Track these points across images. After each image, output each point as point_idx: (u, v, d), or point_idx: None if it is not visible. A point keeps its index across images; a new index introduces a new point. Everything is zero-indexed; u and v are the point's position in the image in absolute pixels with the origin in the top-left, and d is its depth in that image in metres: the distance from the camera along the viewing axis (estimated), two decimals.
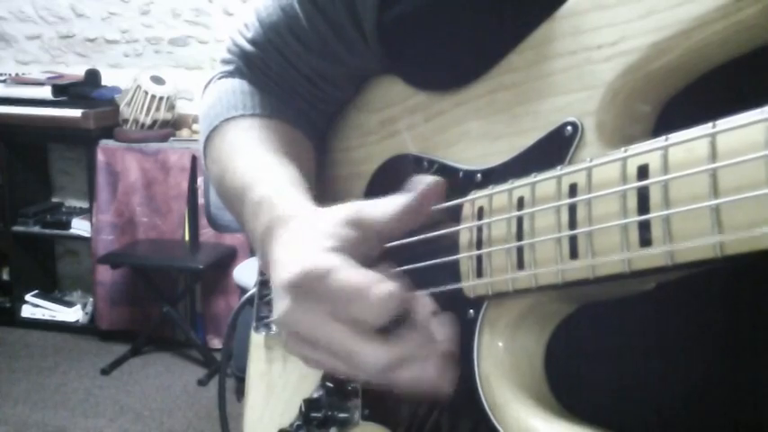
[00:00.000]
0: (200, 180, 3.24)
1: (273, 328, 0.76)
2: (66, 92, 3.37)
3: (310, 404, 0.62)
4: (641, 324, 0.47)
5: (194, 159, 3.22)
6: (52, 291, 3.83)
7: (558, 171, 0.42)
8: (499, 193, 0.46)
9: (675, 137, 0.35)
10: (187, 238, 3.33)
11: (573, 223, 0.41)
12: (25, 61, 3.79)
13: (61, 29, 3.71)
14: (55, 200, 3.84)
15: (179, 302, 3.37)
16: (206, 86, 0.73)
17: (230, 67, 0.71)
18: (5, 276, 3.67)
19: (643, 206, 0.37)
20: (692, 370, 0.47)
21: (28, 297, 3.63)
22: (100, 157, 3.31)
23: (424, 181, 0.47)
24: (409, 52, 0.58)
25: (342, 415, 0.61)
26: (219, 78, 0.71)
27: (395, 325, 0.45)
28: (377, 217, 0.48)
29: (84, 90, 3.42)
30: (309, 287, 0.44)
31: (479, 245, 0.47)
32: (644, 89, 0.41)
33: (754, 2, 0.35)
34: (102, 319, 3.44)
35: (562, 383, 0.47)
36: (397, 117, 0.60)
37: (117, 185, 3.32)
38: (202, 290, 3.42)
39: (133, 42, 3.65)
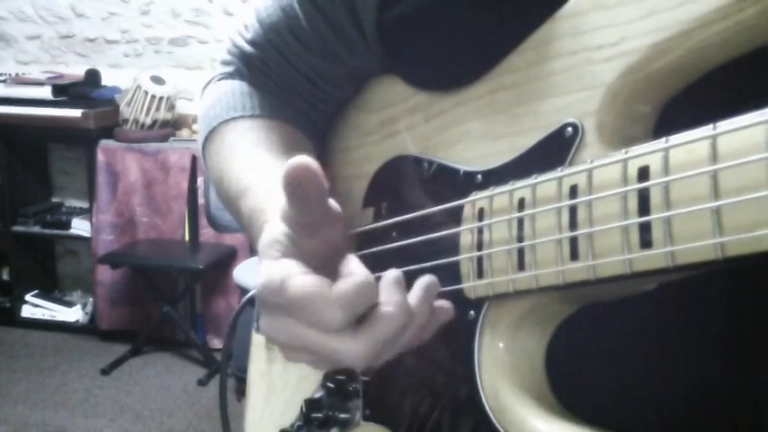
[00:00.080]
0: (200, 180, 3.24)
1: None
2: (66, 92, 3.37)
3: (311, 404, 0.62)
4: (642, 324, 0.47)
5: (194, 159, 3.22)
6: (52, 291, 3.83)
7: (558, 172, 0.42)
8: (500, 195, 0.46)
9: (676, 138, 0.35)
10: (187, 238, 3.33)
11: (574, 224, 0.41)
12: (25, 61, 3.79)
13: (61, 29, 3.70)
14: (55, 200, 3.84)
15: (179, 302, 3.37)
16: (205, 87, 0.73)
17: (230, 69, 0.71)
18: (5, 276, 3.66)
19: (644, 207, 0.37)
20: (691, 370, 0.47)
21: (28, 297, 3.62)
22: (100, 157, 3.31)
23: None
24: (409, 52, 0.58)
25: (343, 415, 0.61)
26: (219, 80, 0.71)
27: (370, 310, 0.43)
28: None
29: (84, 90, 3.42)
30: (271, 300, 0.43)
31: (480, 246, 0.47)
32: (644, 90, 0.41)
33: (754, 2, 0.35)
34: (102, 319, 3.44)
35: (563, 384, 0.47)
36: (397, 117, 0.60)
37: (117, 185, 3.32)
38: (202, 290, 3.42)
39: (133, 42, 3.64)
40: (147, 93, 3.30)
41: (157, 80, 3.37)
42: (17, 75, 3.58)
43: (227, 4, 3.48)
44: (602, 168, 0.39)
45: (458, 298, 0.49)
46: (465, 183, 0.51)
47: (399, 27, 0.57)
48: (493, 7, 0.51)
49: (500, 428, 0.46)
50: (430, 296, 0.46)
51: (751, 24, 0.35)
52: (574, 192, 0.41)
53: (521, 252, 0.44)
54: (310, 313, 0.41)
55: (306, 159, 0.41)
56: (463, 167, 0.52)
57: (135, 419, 2.77)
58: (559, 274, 0.41)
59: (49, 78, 3.44)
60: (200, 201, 3.15)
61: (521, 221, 0.44)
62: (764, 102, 0.32)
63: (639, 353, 0.48)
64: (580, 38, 0.43)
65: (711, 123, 0.34)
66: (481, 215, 0.47)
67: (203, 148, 0.69)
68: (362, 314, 0.42)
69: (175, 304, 3.30)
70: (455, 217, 0.50)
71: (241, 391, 2.57)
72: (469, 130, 0.52)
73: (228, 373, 2.51)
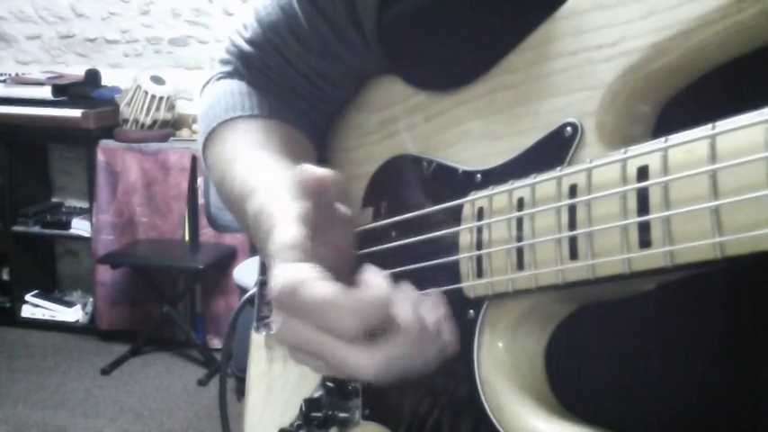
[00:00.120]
0: (200, 180, 3.24)
1: (274, 327, 0.76)
2: (66, 92, 3.37)
3: (311, 404, 0.62)
4: (641, 324, 0.47)
5: (194, 159, 3.22)
6: (52, 291, 3.83)
7: (558, 172, 0.42)
8: (499, 194, 0.46)
9: (675, 138, 0.36)
10: (187, 238, 3.33)
11: (573, 224, 0.41)
12: (25, 61, 3.79)
13: (61, 29, 3.70)
14: (55, 200, 3.84)
15: (179, 302, 3.37)
16: (204, 87, 0.73)
17: (229, 68, 0.71)
18: (5, 276, 3.66)
19: (643, 207, 0.37)
20: (692, 370, 0.47)
21: (28, 297, 3.63)
22: (100, 157, 3.31)
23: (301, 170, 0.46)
24: (409, 52, 0.58)
25: (342, 415, 0.61)
26: (218, 79, 0.71)
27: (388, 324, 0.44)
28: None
29: (84, 90, 3.42)
30: (288, 303, 0.43)
31: (479, 245, 0.47)
32: (644, 90, 0.41)
33: (754, 2, 0.35)
34: (102, 319, 3.44)
35: (563, 384, 0.47)
36: (397, 117, 0.60)
37: (117, 185, 3.32)
38: (202, 290, 3.42)
39: (133, 42, 3.64)
40: (147, 93, 3.30)
41: (157, 80, 3.37)
42: (17, 75, 3.58)
43: (227, 4, 3.48)
44: (602, 168, 0.39)
45: (457, 297, 0.49)
46: (464, 182, 0.51)
47: (399, 27, 0.57)
48: (493, 7, 0.51)
49: (499, 428, 0.46)
50: (440, 323, 0.47)
51: (751, 24, 0.35)
52: (573, 191, 0.41)
53: (520, 251, 0.44)
54: (327, 319, 0.42)
55: (320, 171, 0.43)
56: (463, 167, 0.52)
57: (135, 419, 2.77)
58: (559, 273, 0.41)
59: (49, 78, 3.44)
60: (200, 201, 3.15)
61: (520, 221, 0.44)
62: (764, 102, 0.32)
63: (639, 353, 0.48)
64: (580, 38, 0.43)
65: (711, 123, 0.34)
66: (480, 215, 0.47)
67: (203, 148, 0.69)
68: (375, 329, 0.43)
69: (175, 304, 3.30)
70: (454, 216, 0.50)
71: (241, 391, 2.57)
72: (469, 130, 0.52)
73: (228, 373, 2.51)
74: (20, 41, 3.76)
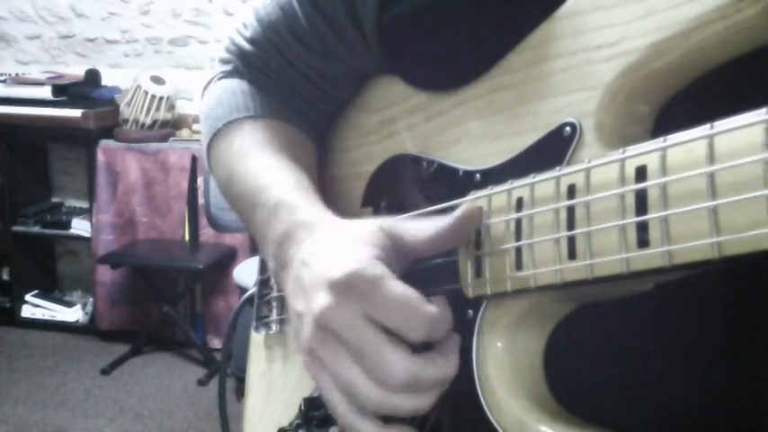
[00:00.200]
0: (200, 180, 3.24)
1: (273, 327, 0.76)
2: (66, 92, 3.37)
3: (310, 403, 0.62)
4: (641, 324, 0.47)
5: (194, 159, 3.22)
6: (52, 291, 3.83)
7: (556, 172, 0.42)
8: (498, 194, 0.46)
9: (674, 138, 0.36)
10: (187, 238, 3.33)
11: (571, 224, 0.41)
12: (25, 61, 3.79)
13: (61, 29, 3.70)
14: (55, 200, 3.84)
15: (179, 302, 3.37)
16: (205, 87, 0.73)
17: (229, 67, 0.71)
18: (5, 276, 3.66)
19: (641, 207, 0.37)
20: (692, 370, 0.47)
21: (28, 297, 3.62)
22: (100, 157, 3.31)
23: (464, 208, 0.47)
24: (409, 52, 0.58)
25: None
26: (219, 79, 0.71)
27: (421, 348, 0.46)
28: (412, 238, 0.48)
29: (84, 90, 3.41)
30: (357, 287, 0.44)
31: (478, 245, 0.47)
32: (643, 90, 0.41)
33: (753, 2, 0.35)
34: (102, 319, 3.44)
35: (562, 384, 0.47)
36: (396, 117, 0.60)
37: (117, 185, 3.32)
38: (202, 290, 3.42)
39: (133, 42, 3.64)
40: (147, 93, 3.30)
41: (157, 80, 3.37)
42: (17, 75, 3.58)
43: (227, 4, 3.48)
44: (600, 168, 0.39)
45: (456, 297, 0.49)
46: (464, 182, 0.51)
47: (399, 27, 0.58)
48: (492, 7, 0.51)
49: (498, 428, 0.46)
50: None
51: (750, 24, 0.35)
52: (572, 191, 0.41)
53: (519, 251, 0.44)
54: (399, 317, 0.43)
55: (480, 209, 0.47)
56: (462, 167, 0.52)
57: (135, 419, 2.77)
58: (557, 273, 0.41)
59: (49, 78, 3.44)
60: (201, 201, 3.15)
61: (519, 221, 0.44)
62: (764, 102, 0.32)
63: (639, 353, 0.48)
64: (579, 38, 0.43)
65: (709, 123, 0.34)
66: None
67: (208, 148, 0.69)
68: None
69: (175, 304, 3.30)
70: None
71: (241, 391, 2.57)
72: (469, 130, 0.52)
73: (228, 373, 2.51)
74: (20, 41, 3.76)
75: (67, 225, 3.53)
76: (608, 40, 0.41)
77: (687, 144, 0.35)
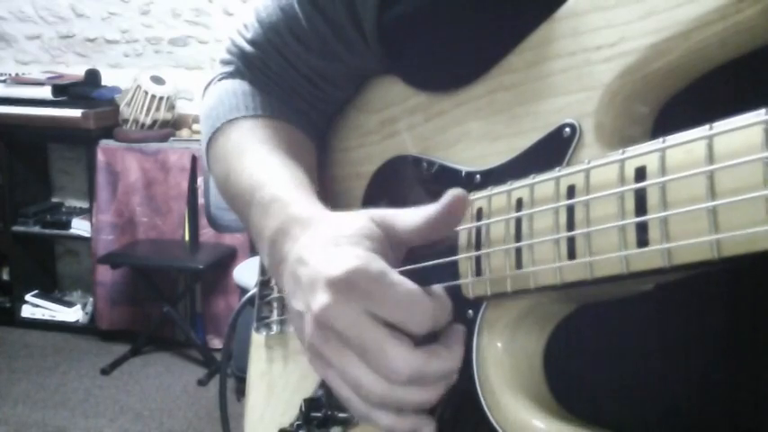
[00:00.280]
0: (200, 180, 3.24)
1: (274, 328, 0.77)
2: (66, 92, 3.37)
3: (311, 404, 0.62)
4: (641, 324, 0.47)
5: (194, 159, 3.22)
6: (52, 291, 3.83)
7: (556, 172, 0.42)
8: (498, 194, 0.46)
9: (673, 139, 0.36)
10: (187, 238, 3.33)
11: (571, 224, 0.41)
12: (25, 61, 3.79)
13: (61, 29, 3.70)
14: (55, 200, 3.84)
15: (179, 302, 3.37)
16: (206, 88, 0.73)
17: (230, 68, 0.71)
18: (5, 276, 3.66)
19: (641, 207, 0.37)
20: (691, 370, 0.47)
21: (28, 297, 3.62)
22: (100, 157, 3.31)
23: (451, 194, 0.47)
24: (409, 52, 0.58)
25: (342, 414, 0.61)
26: (220, 79, 0.71)
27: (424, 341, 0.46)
28: (402, 226, 0.48)
29: (84, 90, 3.41)
30: (357, 285, 0.43)
31: (478, 245, 0.47)
32: (643, 90, 0.41)
33: (753, 3, 0.35)
34: (102, 319, 3.44)
35: (562, 384, 0.47)
36: (397, 117, 0.60)
37: (117, 185, 3.32)
38: (202, 290, 3.42)
39: (133, 42, 3.64)
40: (147, 93, 3.30)
41: (157, 80, 3.37)
42: (17, 75, 3.58)
43: (227, 4, 3.48)
44: (600, 168, 0.39)
45: (456, 297, 0.49)
46: (464, 183, 0.51)
47: (399, 27, 0.58)
48: (492, 8, 0.51)
49: (498, 428, 0.46)
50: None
51: (749, 25, 0.35)
52: (571, 192, 0.41)
53: (518, 252, 0.44)
54: (402, 311, 0.43)
55: (466, 196, 0.45)
56: (462, 167, 0.52)
57: (135, 419, 2.77)
58: (557, 273, 0.41)
59: (49, 78, 3.44)
60: (201, 201, 3.15)
61: (519, 221, 0.44)
62: (764, 102, 0.32)
63: (639, 353, 0.48)
64: (579, 38, 0.43)
65: (709, 124, 0.34)
66: (479, 215, 0.48)
67: (207, 147, 0.69)
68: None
69: (175, 304, 3.30)
70: None
71: (241, 391, 2.57)
72: (469, 131, 0.52)
73: (228, 373, 2.51)
74: (20, 41, 3.76)
75: (67, 225, 3.53)
76: (607, 40, 0.41)
77: (686, 145, 0.35)
